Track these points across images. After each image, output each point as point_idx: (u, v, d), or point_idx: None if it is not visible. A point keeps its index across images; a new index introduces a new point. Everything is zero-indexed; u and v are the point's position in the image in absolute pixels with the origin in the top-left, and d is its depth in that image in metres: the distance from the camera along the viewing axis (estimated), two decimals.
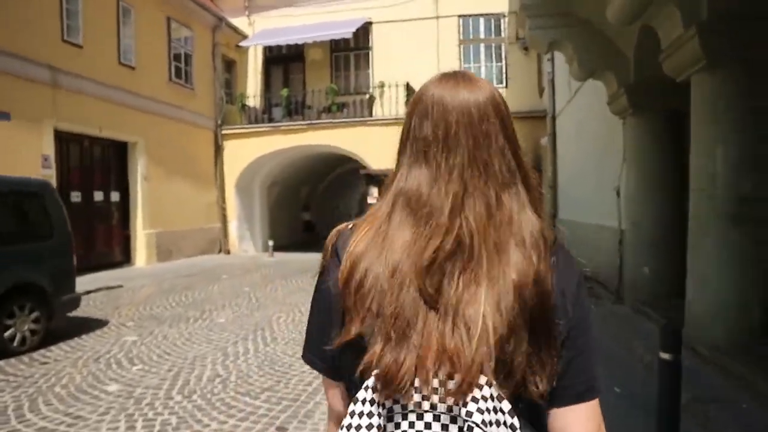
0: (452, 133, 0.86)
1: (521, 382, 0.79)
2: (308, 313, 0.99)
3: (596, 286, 8.27)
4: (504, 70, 17.05)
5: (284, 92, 17.06)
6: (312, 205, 21.97)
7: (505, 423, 0.75)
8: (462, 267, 0.80)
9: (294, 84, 18.48)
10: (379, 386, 0.78)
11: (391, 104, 16.25)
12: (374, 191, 14.43)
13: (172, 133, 14.63)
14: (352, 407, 0.80)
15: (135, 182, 13.34)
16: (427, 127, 0.88)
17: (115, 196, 13.02)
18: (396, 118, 15.89)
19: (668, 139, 6.60)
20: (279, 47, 18.51)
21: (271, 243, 15.71)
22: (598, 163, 8.98)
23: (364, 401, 0.79)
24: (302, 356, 0.99)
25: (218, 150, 16.93)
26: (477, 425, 0.73)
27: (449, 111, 0.87)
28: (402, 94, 16.20)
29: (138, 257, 13.36)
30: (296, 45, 18.31)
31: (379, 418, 0.78)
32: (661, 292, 6.40)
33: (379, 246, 0.84)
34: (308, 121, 16.51)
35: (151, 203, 13.60)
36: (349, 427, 0.79)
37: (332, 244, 0.93)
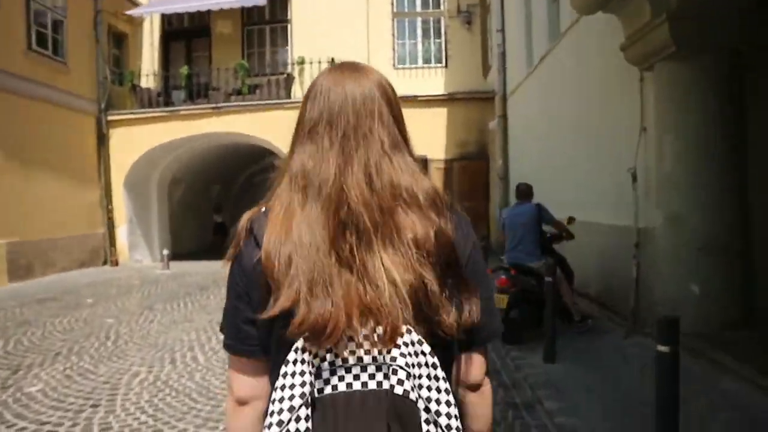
0: (335, 112, 0.94)
1: (437, 324, 0.88)
2: (225, 299, 1.00)
3: (590, 307, 6.15)
4: (443, 47, 14.93)
5: (184, 70, 14.18)
6: (225, 206, 19.07)
7: (426, 364, 0.86)
8: (360, 230, 0.87)
9: (199, 63, 15.60)
10: (310, 341, 0.84)
11: None
12: None
13: (31, 116, 11.46)
14: (283, 369, 0.85)
15: None
16: (315, 110, 0.96)
17: None
18: None
19: (724, 93, 4.49)
20: (180, 19, 15.61)
21: (165, 252, 12.80)
22: (591, 140, 6.87)
23: (295, 362, 0.85)
24: (224, 344, 1.00)
25: (102, 139, 13.81)
26: (401, 367, 0.84)
27: (336, 94, 0.95)
28: None
29: None
30: (200, 15, 15.42)
31: (310, 375, 0.85)
32: (716, 319, 4.34)
33: (290, 225, 0.90)
34: (213, 105, 13.71)
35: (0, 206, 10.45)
36: (282, 387, 0.85)
37: (246, 228, 0.96)
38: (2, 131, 10.60)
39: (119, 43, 15.29)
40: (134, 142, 13.81)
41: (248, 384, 0.97)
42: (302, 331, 0.84)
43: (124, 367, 5.02)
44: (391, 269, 0.85)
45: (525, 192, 5.88)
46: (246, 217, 0.98)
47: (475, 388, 1.02)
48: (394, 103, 0.99)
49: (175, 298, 8.66)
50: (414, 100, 13.34)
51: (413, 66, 15.07)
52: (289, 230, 0.89)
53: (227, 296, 0.99)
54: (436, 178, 13.24)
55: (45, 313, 7.68)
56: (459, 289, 0.91)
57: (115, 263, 13.72)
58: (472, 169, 13.32)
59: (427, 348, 0.86)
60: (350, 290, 0.85)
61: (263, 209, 0.97)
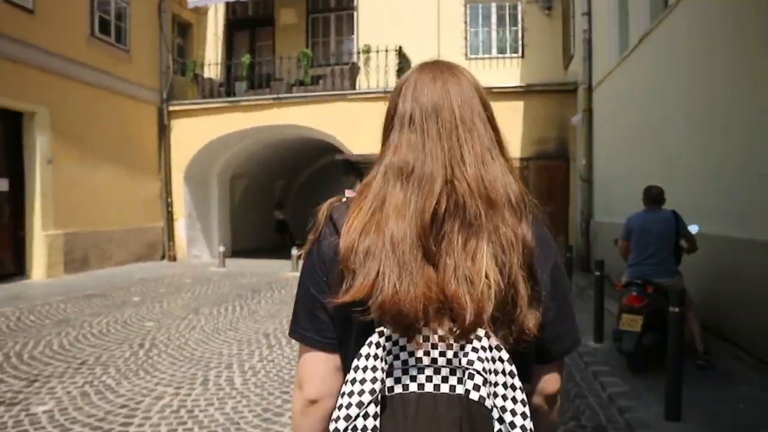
0: (439, 105, 0.92)
1: (518, 328, 0.84)
2: (297, 287, 0.98)
3: (724, 353, 4.92)
4: (520, 36, 13.74)
5: (246, 59, 13.67)
6: (287, 203, 18.59)
7: (504, 371, 0.82)
8: (460, 224, 0.86)
9: (262, 53, 15.11)
10: (389, 325, 0.82)
11: (379, 74, 12.91)
12: (354, 183, 11.20)
13: (93, 104, 11.22)
14: (355, 362, 0.84)
15: (33, 166, 9.91)
16: (414, 103, 0.93)
17: (2, 185, 9.60)
18: (386, 91, 12.53)
19: None
20: (244, 8, 15.20)
21: (221, 249, 12.31)
22: (714, 134, 5.66)
23: (367, 356, 0.83)
24: (290, 333, 0.98)
25: (163, 130, 13.52)
26: (478, 372, 0.82)
27: (437, 89, 0.94)
28: (393, 61, 12.87)
29: (35, 267, 9.95)
30: (264, 4, 15.03)
31: (382, 372, 0.82)
32: None
33: (377, 214, 0.88)
34: (274, 95, 13.12)
35: (57, 195, 10.19)
36: (353, 381, 0.83)
37: (326, 214, 0.95)
38: (62, 118, 10.35)
39: (183, 33, 15.02)
40: (195, 133, 13.45)
41: (319, 381, 0.94)
42: (383, 313, 0.82)
43: (149, 386, 4.31)
44: (491, 265, 0.83)
45: (657, 196, 4.98)
46: (326, 204, 0.97)
47: (551, 399, 0.99)
48: (488, 105, 0.98)
49: (225, 301, 8.02)
50: (488, 92, 12.17)
51: (487, 56, 13.97)
52: (374, 219, 0.87)
53: (301, 284, 0.97)
54: None
55: (87, 310, 7.19)
56: (540, 295, 0.89)
57: (173, 258, 13.40)
58: (550, 170, 12.09)
59: (505, 355, 0.83)
60: (431, 283, 0.83)
61: (344, 198, 0.98)
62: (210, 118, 13.41)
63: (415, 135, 0.92)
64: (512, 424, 0.81)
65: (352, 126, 12.35)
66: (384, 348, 0.83)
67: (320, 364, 0.94)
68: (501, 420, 0.82)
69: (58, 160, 10.25)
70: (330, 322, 0.92)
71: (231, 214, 15.58)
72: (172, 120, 13.65)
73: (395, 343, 0.85)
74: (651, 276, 4.65)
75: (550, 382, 0.99)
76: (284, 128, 13.46)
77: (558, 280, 0.96)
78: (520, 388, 0.84)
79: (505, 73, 13.48)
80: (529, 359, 0.92)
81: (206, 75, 14.23)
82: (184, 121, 13.62)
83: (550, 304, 0.91)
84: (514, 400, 0.82)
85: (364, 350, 0.84)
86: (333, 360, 0.94)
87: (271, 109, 13.15)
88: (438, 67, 0.98)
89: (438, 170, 0.88)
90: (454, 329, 0.83)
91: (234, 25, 15.54)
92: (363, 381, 0.82)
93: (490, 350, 0.82)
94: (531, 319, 0.86)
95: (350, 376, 0.84)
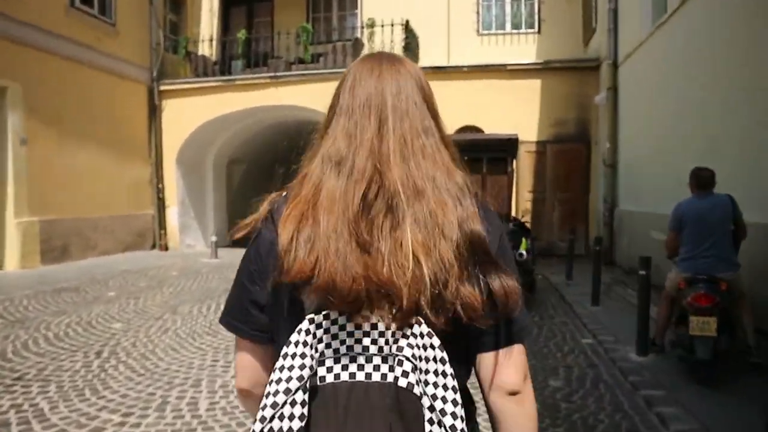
0: (372, 96, 0.93)
1: (455, 312, 0.83)
2: (234, 278, 0.99)
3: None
4: (536, 10, 12.73)
5: (242, 35, 12.75)
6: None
7: (435, 358, 0.82)
8: (388, 211, 0.86)
9: (260, 30, 14.18)
10: (328, 303, 0.82)
11: (385, 50, 11.89)
12: None
13: (74, 81, 10.34)
14: (284, 350, 0.83)
15: (4, 146, 9.07)
16: (350, 96, 0.95)
17: None
18: None
19: None
20: None
21: (213, 239, 11.44)
22: None
23: (297, 343, 0.83)
24: (221, 320, 1.00)
25: (153, 111, 12.65)
26: (407, 358, 0.82)
27: (374, 80, 0.95)
28: (399, 36, 11.91)
29: (8, 257, 9.13)
30: None
31: (311, 359, 0.82)
32: None
33: (313, 199, 0.88)
34: (272, 74, 12.20)
35: (31, 178, 9.34)
36: (281, 368, 0.82)
37: (267, 209, 0.96)
38: (37, 95, 9.49)
39: (177, 9, 14.09)
40: (188, 114, 12.57)
41: (249, 371, 0.97)
42: (323, 292, 0.82)
43: (90, 412, 3.47)
44: (418, 249, 0.83)
45: (709, 180, 4.27)
46: (267, 200, 0.98)
47: (513, 392, 0.93)
48: (428, 95, 0.98)
49: (209, 297, 7.19)
50: (502, 70, 11.32)
51: (500, 32, 12.98)
52: (312, 207, 0.88)
53: (237, 278, 0.98)
54: (527, 163, 11.18)
55: (51, 308, 6.37)
56: (488, 271, 0.88)
57: (164, 248, 12.58)
58: (569, 154, 11.14)
59: (436, 341, 0.83)
60: (368, 269, 0.82)
61: (284, 193, 0.97)
62: (204, 98, 12.52)
63: (350, 125, 0.92)
64: (442, 411, 0.81)
65: None
66: (314, 335, 0.83)
67: (250, 354, 0.97)
68: (432, 408, 0.82)
69: (33, 141, 9.39)
70: (260, 314, 0.94)
71: (228, 201, 14.74)
72: (164, 100, 12.77)
73: (326, 331, 0.85)
74: (711, 270, 4.00)
75: (508, 371, 0.92)
76: (283, 109, 12.55)
77: (507, 259, 0.94)
78: (451, 374, 0.83)
79: (520, 50, 12.50)
80: (467, 343, 0.91)
81: (200, 52, 13.32)
82: (176, 102, 12.74)
83: (497, 274, 0.89)
84: (445, 388, 0.82)
85: (293, 337, 0.83)
86: (263, 351, 0.96)
87: (268, 88, 12.24)
88: (378, 59, 0.98)
89: (368, 160, 0.89)
90: (395, 313, 0.82)
91: (230, 0, 14.60)
92: (291, 368, 0.82)
93: (421, 337, 0.83)
94: (470, 297, 0.84)
95: (279, 363, 0.83)
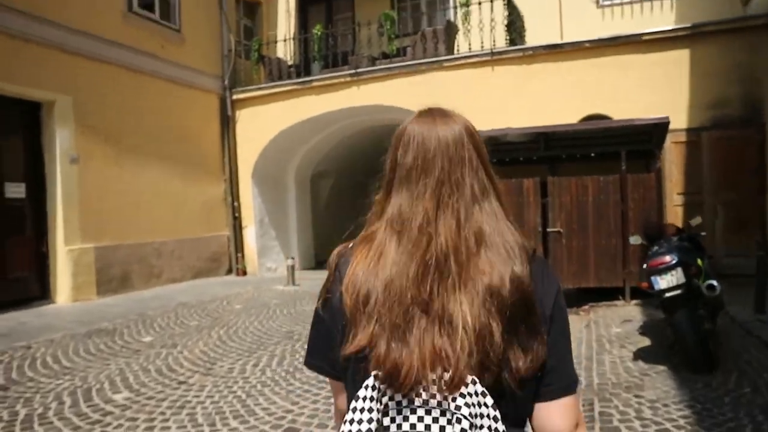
0: (430, 158, 0.98)
1: (496, 372, 0.89)
2: (311, 326, 1.09)
3: None
4: None
5: (318, 30, 11.28)
6: None
7: (488, 415, 0.86)
8: (441, 275, 0.91)
9: (339, 27, 12.69)
10: (384, 384, 0.89)
11: (484, 32, 9.92)
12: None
13: (133, 93, 9.31)
14: (353, 404, 0.90)
15: (53, 167, 8.09)
16: (409, 156, 0.99)
17: (18, 190, 7.85)
18: (493, 53, 9.61)
19: None
20: None
21: (290, 263, 9.90)
22: None
23: (364, 398, 0.89)
24: (305, 363, 1.11)
25: (226, 122, 11.49)
26: (465, 417, 0.87)
27: (428, 140, 0.99)
28: (501, 14, 9.86)
29: (59, 289, 8.10)
30: None
31: (378, 413, 0.88)
32: None
33: (375, 265, 0.95)
34: (352, 70, 10.60)
35: (83, 201, 8.31)
36: (351, 421, 0.88)
37: (335, 264, 1.03)
38: (89, 109, 8.48)
39: (251, 13, 13.02)
40: (263, 123, 11.28)
41: (344, 397, 1.05)
42: (377, 368, 0.89)
43: None
44: (467, 314, 0.88)
45: None
46: (334, 253, 1.05)
47: None
48: (480, 148, 1.03)
49: (262, 346, 5.54)
50: (636, 42, 8.89)
51: (626, 1, 10.53)
52: (374, 270, 0.94)
53: (314, 325, 1.07)
54: (675, 157, 8.64)
55: (54, 368, 4.97)
56: (531, 338, 0.92)
57: (242, 272, 11.30)
58: (734, 143, 8.43)
59: (489, 400, 0.87)
60: (425, 336, 0.88)
61: (350, 245, 1.04)
62: (280, 105, 11.18)
63: (407, 190, 0.98)
64: None
65: (451, 100, 9.44)
66: (379, 390, 0.89)
67: (338, 386, 1.06)
68: None
69: (86, 159, 8.37)
70: (336, 359, 0.99)
71: (314, 219, 13.31)
72: (237, 110, 11.59)
73: (390, 384, 0.90)
74: None
75: (555, 419, 0.98)
76: (367, 111, 10.89)
77: (556, 318, 0.99)
78: (503, 431, 0.87)
79: (653, 17, 10.00)
80: (517, 403, 0.94)
81: (275, 55, 12.04)
82: (250, 111, 11.52)
83: (537, 343, 0.93)
84: None
85: (361, 392, 0.89)
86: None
87: (350, 87, 10.65)
88: (432, 116, 1.02)
89: (422, 226, 0.94)
90: (444, 382, 0.87)
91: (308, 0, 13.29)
92: (360, 421, 0.87)
93: (476, 395, 0.87)
94: (520, 360, 0.90)
95: (348, 416, 0.89)
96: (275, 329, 6.23)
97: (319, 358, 1.06)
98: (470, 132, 1.02)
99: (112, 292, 8.69)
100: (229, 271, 11.38)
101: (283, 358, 5.04)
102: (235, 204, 11.47)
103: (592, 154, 8.63)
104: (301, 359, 4.92)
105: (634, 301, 7.32)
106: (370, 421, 0.87)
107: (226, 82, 11.42)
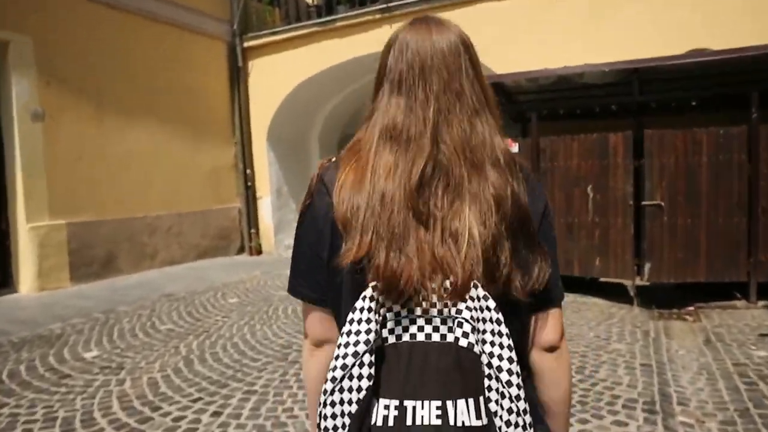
0: (428, 66, 0.92)
1: (506, 284, 0.88)
2: (293, 247, 1.00)
3: None
4: None
5: None
6: None
7: (491, 319, 0.85)
8: (445, 185, 0.89)
9: None
10: (383, 294, 0.86)
11: None
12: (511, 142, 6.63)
13: (120, 37, 7.66)
14: (350, 316, 0.86)
15: (9, 125, 6.55)
16: (402, 63, 0.94)
17: None
18: None
19: None
20: None
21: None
22: None
23: (362, 309, 0.86)
24: (289, 290, 1.03)
25: (237, 74, 9.77)
26: (466, 320, 0.87)
27: (424, 48, 0.93)
28: None
29: (22, 276, 6.66)
30: None
31: (376, 324, 0.86)
32: None
33: (367, 174, 0.90)
34: (383, 5, 8.66)
35: (52, 167, 6.77)
36: (348, 333, 0.86)
37: (318, 176, 0.97)
38: (63, 52, 6.87)
39: None
40: (280, 74, 9.52)
41: (320, 329, 1.01)
42: (377, 278, 0.85)
43: None
44: (474, 224, 0.86)
45: None
46: (318, 168, 0.98)
47: (551, 350, 1.01)
48: (475, 59, 0.98)
49: (241, 376, 3.86)
50: None
51: None
52: (364, 180, 0.89)
53: (296, 243, 0.99)
54: None
55: None
56: (531, 251, 0.92)
57: (256, 251, 9.72)
58: None
59: (492, 303, 0.85)
60: (423, 245, 0.86)
61: (333, 159, 0.97)
62: (298, 52, 9.37)
63: (404, 97, 0.93)
64: (499, 368, 0.85)
65: (499, 36, 7.52)
66: (377, 301, 0.86)
67: (318, 316, 1.00)
68: (489, 365, 0.86)
69: (54, 116, 6.81)
70: (324, 280, 0.95)
71: None
72: (249, 60, 9.85)
73: (388, 293, 0.88)
74: None
75: (547, 331, 1.00)
76: None
77: (545, 230, 0.98)
78: (506, 334, 0.86)
79: None
80: (519, 313, 0.94)
81: None
82: (264, 61, 9.75)
83: (539, 258, 0.94)
84: (501, 346, 0.86)
85: (358, 304, 0.86)
86: (327, 313, 0.99)
87: (381, 26, 8.69)
88: (427, 24, 0.97)
89: (425, 134, 0.90)
90: (448, 289, 0.86)
91: None
92: (358, 332, 0.85)
93: (478, 300, 0.86)
94: (519, 276, 0.89)
95: (346, 328, 0.86)
96: (268, 342, 4.54)
97: (305, 284, 0.98)
98: (466, 43, 0.97)
99: (93, 277, 7.20)
100: (241, 250, 9.80)
101: (263, 401, 3.34)
102: (248, 171, 9.82)
103: (693, 103, 6.54)
104: (295, 400, 3.24)
105: (761, 302, 5.32)
106: (368, 332, 0.85)
107: (236, 26, 9.65)
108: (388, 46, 0.98)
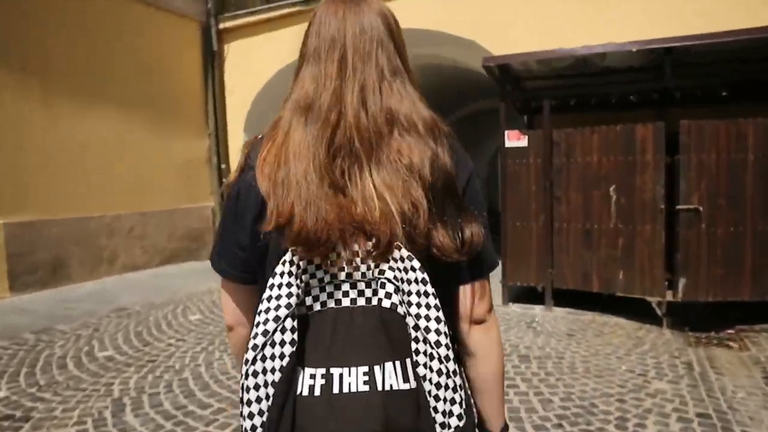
0: (338, 36, 0.93)
1: (427, 245, 0.87)
2: (220, 226, 1.00)
3: None
4: None
5: None
6: None
7: (416, 280, 0.85)
8: (357, 153, 0.88)
9: None
10: (303, 259, 0.85)
11: None
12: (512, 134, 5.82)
13: (74, 10, 6.73)
14: (270, 281, 0.85)
15: None
16: (318, 35, 0.95)
17: None
18: None
19: None
20: None
21: None
22: None
23: (282, 274, 0.85)
24: (212, 264, 1.01)
25: (211, 59, 8.83)
26: (389, 280, 0.86)
27: (337, 21, 0.94)
28: None
29: None
30: None
31: (297, 288, 0.85)
32: None
33: (284, 148, 0.90)
34: None
35: None
36: (269, 298, 0.85)
37: (245, 152, 0.97)
38: (6, 22, 5.94)
39: None
40: (259, 59, 8.61)
41: (232, 310, 1.01)
42: (297, 242, 0.84)
43: None
44: (383, 190, 0.86)
45: None
46: (245, 144, 0.99)
47: (480, 322, 0.99)
48: (396, 33, 0.97)
49: (194, 428, 2.99)
50: None
51: None
52: (285, 153, 0.89)
53: (222, 221, 0.99)
54: None
55: None
56: (458, 214, 0.91)
57: None
58: None
59: (416, 264, 0.85)
60: (341, 210, 0.86)
61: (260, 136, 0.97)
62: (279, 34, 8.46)
63: (316, 69, 0.93)
64: (426, 329, 0.84)
65: (497, 13, 6.70)
66: (299, 266, 0.85)
67: (233, 294, 1.00)
68: (417, 327, 0.85)
69: None
70: (245, 254, 0.94)
71: None
72: (225, 43, 8.93)
73: (310, 261, 0.86)
74: None
75: (475, 303, 0.98)
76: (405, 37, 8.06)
77: (471, 195, 0.96)
78: (433, 294, 0.85)
79: None
80: (446, 278, 0.92)
81: None
82: (242, 44, 8.84)
83: (467, 220, 0.93)
84: (428, 306, 0.85)
85: (278, 269, 0.85)
86: (246, 291, 0.98)
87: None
88: (342, 0, 0.97)
89: (333, 104, 0.89)
90: (371, 250, 0.85)
91: None
92: (279, 297, 0.84)
93: (402, 261, 0.84)
94: (444, 237, 0.88)
95: (266, 294, 0.85)
96: (224, 379, 3.66)
97: (229, 259, 0.97)
98: (384, 15, 0.96)
99: (38, 286, 6.28)
100: None
101: None
102: (223, 166, 8.90)
103: (724, 94, 5.73)
104: None
105: None
106: (289, 296, 0.84)
107: (210, 5, 8.71)
108: (308, 25, 0.97)
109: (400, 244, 0.84)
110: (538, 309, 5.37)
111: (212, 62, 8.78)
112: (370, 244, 0.85)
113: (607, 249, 4.96)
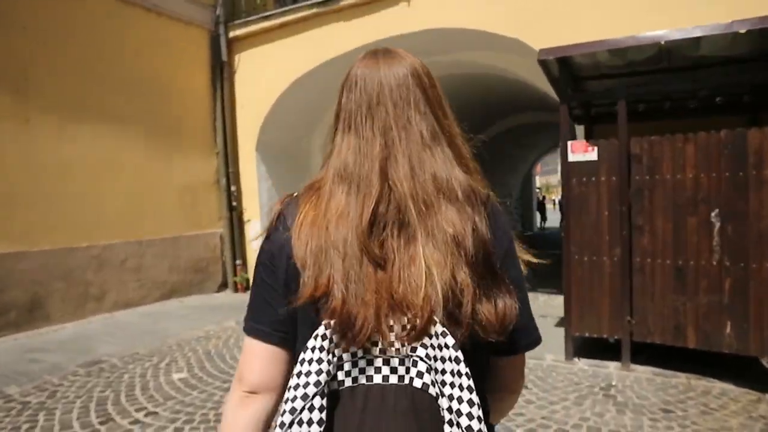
0: (374, 102, 0.90)
1: (470, 324, 0.81)
2: (252, 284, 0.95)
3: None
4: None
5: None
6: None
7: (450, 358, 0.79)
8: (399, 225, 0.84)
9: None
10: (337, 334, 0.80)
11: None
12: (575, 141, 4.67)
13: (65, 16, 5.92)
14: (302, 356, 0.80)
15: None
16: (352, 102, 0.91)
17: None
18: None
19: None
20: None
21: None
22: None
23: (313, 349, 0.80)
24: (245, 328, 0.93)
25: (220, 71, 7.96)
26: (421, 359, 0.81)
27: (371, 83, 0.90)
28: None
29: None
30: None
31: (328, 365, 0.80)
32: None
33: (324, 216, 0.85)
34: None
35: None
36: (299, 374, 0.80)
37: (278, 212, 0.92)
38: (15, 47, 5.13)
39: None
40: (272, 69, 7.72)
41: (260, 371, 0.90)
42: (332, 317, 0.80)
43: None
44: (432, 266, 0.81)
45: None
46: (278, 201, 0.95)
47: (511, 396, 1.01)
48: (429, 89, 0.93)
49: None
50: None
51: None
52: (322, 221, 0.85)
53: (254, 280, 0.93)
54: None
55: None
56: (497, 289, 0.86)
57: (243, 287, 7.82)
58: None
59: (450, 340, 0.80)
60: (381, 287, 0.81)
61: (294, 194, 0.94)
62: (294, 41, 7.57)
63: (354, 137, 0.90)
64: (458, 412, 0.80)
65: (548, 11, 5.66)
66: (331, 340, 0.81)
67: (265, 354, 0.91)
68: (450, 409, 0.80)
69: None
70: (284, 315, 0.88)
71: None
72: (235, 53, 8.06)
73: (343, 335, 0.82)
74: None
75: (515, 377, 0.98)
76: (424, 42, 7.01)
77: (510, 268, 0.91)
78: (467, 374, 0.80)
79: None
80: (482, 354, 0.88)
81: None
82: (254, 54, 7.96)
83: (503, 294, 0.88)
84: (461, 388, 0.80)
85: (310, 343, 0.81)
86: (279, 353, 0.91)
87: (397, 4, 6.87)
88: (375, 58, 0.94)
89: (374, 173, 0.86)
90: (408, 330, 0.80)
91: None
92: (308, 373, 0.79)
93: (436, 337, 0.80)
94: (485, 315, 0.83)
95: (296, 369, 0.81)
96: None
97: (264, 321, 0.90)
98: (417, 73, 0.93)
99: (11, 329, 5.36)
100: (224, 286, 7.90)
101: None
102: (233, 188, 7.96)
103: None
104: None
105: None
106: (319, 372, 0.79)
107: (219, 11, 7.87)
108: (343, 82, 0.95)
109: (436, 319, 0.79)
110: (612, 367, 4.19)
111: (221, 74, 7.90)
112: (406, 320, 0.80)
113: (708, 294, 3.78)
